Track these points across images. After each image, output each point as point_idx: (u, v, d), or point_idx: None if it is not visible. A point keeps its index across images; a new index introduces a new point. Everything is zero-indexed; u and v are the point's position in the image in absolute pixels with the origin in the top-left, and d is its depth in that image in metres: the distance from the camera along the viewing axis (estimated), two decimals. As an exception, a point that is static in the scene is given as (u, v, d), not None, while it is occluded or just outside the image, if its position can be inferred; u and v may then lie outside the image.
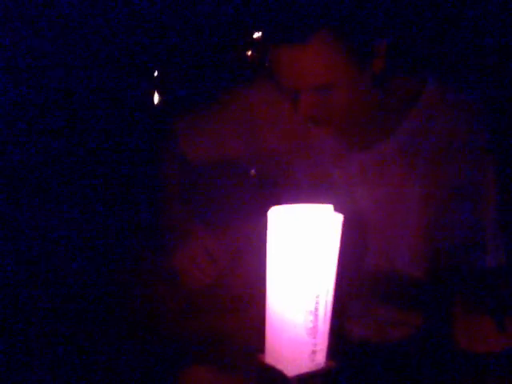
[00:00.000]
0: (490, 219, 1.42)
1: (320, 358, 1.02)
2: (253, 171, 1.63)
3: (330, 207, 1.01)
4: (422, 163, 1.42)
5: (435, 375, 1.36)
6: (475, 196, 1.41)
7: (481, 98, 1.45)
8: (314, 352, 1.01)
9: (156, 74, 2.45)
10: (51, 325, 1.62)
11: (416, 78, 1.45)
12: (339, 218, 0.98)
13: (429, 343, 1.42)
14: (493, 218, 1.42)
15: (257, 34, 2.46)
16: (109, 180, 2.02)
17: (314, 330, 0.99)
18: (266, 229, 0.99)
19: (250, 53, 2.48)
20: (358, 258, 1.44)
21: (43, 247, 1.82)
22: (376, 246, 1.45)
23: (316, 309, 0.98)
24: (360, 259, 1.44)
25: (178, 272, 1.53)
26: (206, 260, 1.51)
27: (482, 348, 1.17)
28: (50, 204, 1.94)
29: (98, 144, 2.09)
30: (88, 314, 1.61)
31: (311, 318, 0.98)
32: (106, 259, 1.77)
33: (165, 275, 1.58)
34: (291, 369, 1.01)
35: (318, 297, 0.98)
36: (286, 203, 1.01)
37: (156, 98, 2.43)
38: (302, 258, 0.96)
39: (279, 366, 1.01)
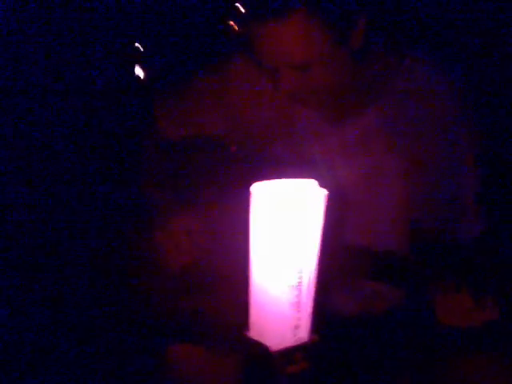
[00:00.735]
0: (469, 192, 1.43)
1: (303, 333, 1.03)
2: (234, 147, 1.63)
3: (313, 182, 1.01)
4: (401, 137, 1.43)
5: (416, 349, 1.38)
6: (454, 169, 1.42)
7: (460, 75, 1.46)
8: (297, 326, 1.02)
9: (134, 46, 2.44)
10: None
11: (394, 53, 1.46)
12: (323, 192, 0.98)
13: (410, 317, 1.44)
14: (472, 191, 1.44)
15: (241, 7, 2.44)
16: (88, 162, 2.00)
17: (297, 305, 1.00)
18: (248, 205, 1.00)
19: (231, 23, 2.47)
20: (339, 233, 1.44)
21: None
22: (357, 220, 1.46)
23: (299, 284, 0.99)
24: (341, 233, 1.45)
25: (159, 251, 1.53)
26: (186, 240, 1.51)
27: (462, 323, 1.19)
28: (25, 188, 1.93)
29: (75, 125, 2.08)
30: (73, 293, 1.61)
31: (295, 292, 0.99)
32: (89, 241, 1.76)
33: (147, 255, 1.57)
34: (275, 343, 1.02)
35: (301, 272, 0.98)
36: (268, 179, 1.01)
37: (135, 73, 2.41)
38: (285, 233, 0.96)
39: (263, 341, 1.02)
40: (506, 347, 1.30)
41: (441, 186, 1.42)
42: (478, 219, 1.42)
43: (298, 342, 1.02)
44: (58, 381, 1.44)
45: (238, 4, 2.41)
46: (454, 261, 1.25)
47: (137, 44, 2.45)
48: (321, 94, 1.36)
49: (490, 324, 1.20)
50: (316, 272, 1.01)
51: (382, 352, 1.37)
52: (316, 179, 1.02)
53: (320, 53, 1.29)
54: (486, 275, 1.19)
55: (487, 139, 1.47)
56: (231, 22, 2.46)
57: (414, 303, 1.43)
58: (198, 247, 1.49)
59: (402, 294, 1.46)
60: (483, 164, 1.44)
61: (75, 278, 1.65)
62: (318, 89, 1.34)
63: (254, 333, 1.04)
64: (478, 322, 1.19)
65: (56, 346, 1.52)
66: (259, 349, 1.01)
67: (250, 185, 1.00)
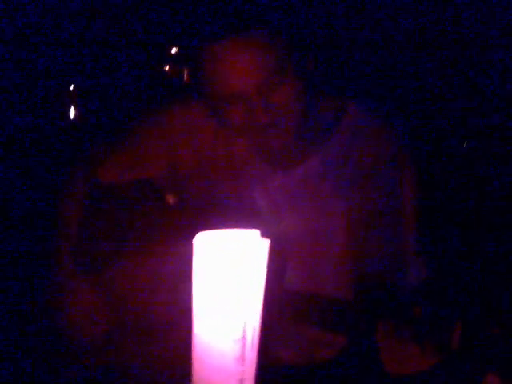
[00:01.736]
0: (411, 239, 1.44)
1: (248, 386, 1.00)
2: (171, 197, 1.60)
3: (256, 232, 1.00)
4: (345, 183, 1.44)
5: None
6: (397, 217, 1.43)
7: (400, 123, 1.48)
8: (241, 380, 0.99)
9: (72, 89, 2.40)
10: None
11: (340, 99, 1.47)
12: (266, 243, 0.97)
13: (356, 364, 1.43)
14: (414, 239, 1.44)
15: (174, 49, 2.44)
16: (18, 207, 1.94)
17: (241, 358, 0.98)
18: (190, 255, 0.97)
19: (167, 68, 2.46)
20: (280, 281, 1.43)
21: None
22: (301, 267, 1.46)
23: (243, 337, 0.97)
24: (282, 282, 1.44)
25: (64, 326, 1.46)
26: (86, 323, 1.45)
27: (408, 370, 1.19)
28: None
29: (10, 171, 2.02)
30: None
31: (239, 345, 0.97)
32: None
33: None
34: (219, 398, 0.99)
35: (245, 324, 0.96)
36: (211, 227, 0.99)
37: (71, 116, 2.37)
38: (228, 285, 0.94)
39: (207, 396, 0.99)
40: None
41: (384, 234, 1.42)
42: (419, 267, 1.43)
43: (243, 397, 0.99)
44: None
45: (172, 47, 2.41)
46: (397, 308, 1.25)
47: (72, 86, 2.41)
48: (285, 118, 1.33)
49: (433, 368, 1.20)
50: (260, 323, 0.99)
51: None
52: (259, 227, 1.00)
53: (280, 74, 1.27)
54: (428, 322, 1.19)
55: (429, 188, 1.49)
56: (167, 67, 2.46)
57: (359, 349, 1.42)
58: (104, 323, 1.44)
59: (348, 341, 1.46)
60: (425, 212, 1.45)
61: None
62: (282, 111, 1.32)
63: (198, 386, 1.01)
64: (424, 367, 1.18)
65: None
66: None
67: (192, 233, 0.98)
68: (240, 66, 1.26)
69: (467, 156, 1.99)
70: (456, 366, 1.20)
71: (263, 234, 0.99)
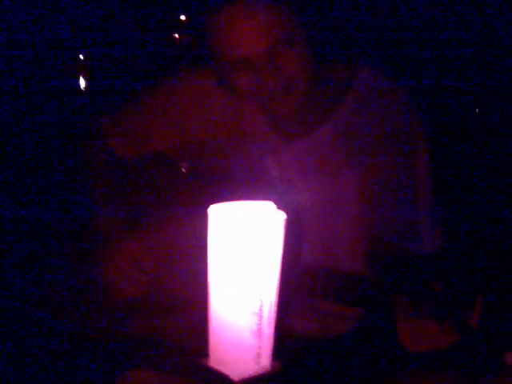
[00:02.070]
0: (425, 208, 1.42)
1: (265, 360, 0.99)
2: (184, 166, 1.58)
3: (271, 205, 0.97)
4: (357, 150, 1.41)
5: (377, 369, 1.35)
6: (409, 184, 1.41)
7: (413, 87, 1.45)
8: (259, 354, 0.98)
9: (80, 59, 2.38)
10: None
11: (350, 65, 1.44)
12: (282, 216, 0.95)
13: (372, 338, 1.42)
14: (428, 207, 1.42)
15: (182, 16, 2.41)
16: (31, 183, 1.93)
17: (258, 332, 0.96)
18: (204, 227, 0.95)
19: (177, 35, 2.43)
20: (296, 253, 1.41)
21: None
22: (316, 240, 1.44)
23: (260, 310, 0.95)
24: (299, 254, 1.42)
25: (106, 284, 1.46)
26: (135, 271, 1.44)
27: (425, 347, 1.17)
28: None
29: (19, 145, 2.01)
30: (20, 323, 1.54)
31: (256, 319, 0.95)
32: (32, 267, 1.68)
33: (93, 285, 1.50)
34: (236, 372, 0.97)
35: (262, 298, 0.94)
36: (223, 199, 0.97)
37: (82, 87, 2.35)
38: (245, 259, 0.92)
39: (223, 370, 0.98)
40: (466, 367, 1.28)
41: (398, 203, 1.40)
42: (434, 237, 1.41)
43: (260, 371, 0.98)
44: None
45: (181, 15, 2.37)
46: (415, 283, 1.23)
47: (81, 55, 2.39)
48: (298, 81, 1.32)
49: (452, 345, 1.18)
50: (277, 297, 0.98)
51: (343, 374, 1.34)
52: (273, 200, 0.98)
53: (291, 34, 1.26)
54: (447, 298, 1.17)
55: (443, 154, 1.46)
56: (176, 35, 2.43)
57: (375, 324, 1.41)
58: (148, 280, 1.43)
59: (363, 313, 1.44)
60: (439, 178, 1.43)
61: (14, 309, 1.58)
62: (295, 74, 1.30)
63: (214, 361, 1.00)
64: (441, 344, 1.17)
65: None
66: (219, 378, 0.97)
67: (205, 205, 0.96)
68: (248, 31, 1.25)
69: (482, 120, 1.95)
70: (475, 344, 1.19)
71: (278, 206, 0.97)
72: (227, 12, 1.26)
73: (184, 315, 1.40)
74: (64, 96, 2.26)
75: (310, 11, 1.33)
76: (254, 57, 1.27)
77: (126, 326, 1.45)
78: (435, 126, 1.50)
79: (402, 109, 1.42)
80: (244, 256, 0.92)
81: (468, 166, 1.84)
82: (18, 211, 1.86)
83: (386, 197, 1.41)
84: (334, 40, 1.49)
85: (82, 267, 1.51)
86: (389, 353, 1.32)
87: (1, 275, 1.69)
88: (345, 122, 1.41)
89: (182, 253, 1.41)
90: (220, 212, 0.94)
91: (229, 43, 1.28)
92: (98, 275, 1.45)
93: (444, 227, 1.43)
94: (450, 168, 1.60)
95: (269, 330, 0.97)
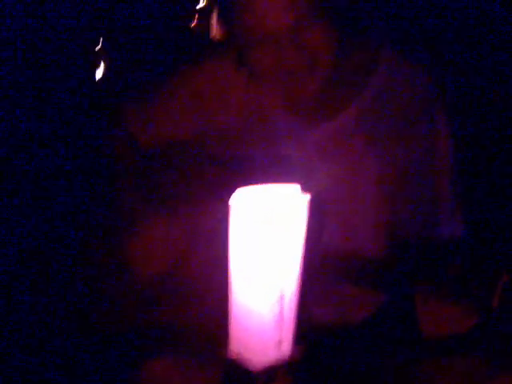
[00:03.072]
0: (447, 193, 1.41)
1: (286, 347, 0.99)
2: (206, 152, 1.58)
3: (296, 187, 0.96)
4: (380, 135, 1.40)
5: (398, 355, 1.35)
6: (432, 170, 1.40)
7: (440, 73, 1.43)
8: (280, 342, 0.97)
9: (99, 47, 2.38)
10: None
11: (372, 45, 1.42)
12: (306, 198, 0.93)
13: (392, 324, 1.41)
14: (450, 192, 1.41)
15: (200, 5, 2.40)
16: (57, 171, 1.93)
17: (279, 320, 0.96)
18: (225, 213, 0.95)
19: (194, 23, 2.43)
20: (318, 238, 1.41)
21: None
22: (337, 223, 1.43)
23: (282, 298, 0.95)
24: (320, 238, 1.41)
25: (132, 260, 1.46)
26: (161, 246, 1.45)
27: (446, 331, 1.16)
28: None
29: (43, 133, 2.01)
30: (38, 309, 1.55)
31: (277, 307, 0.95)
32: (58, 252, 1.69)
33: (116, 266, 1.50)
34: (257, 360, 0.97)
35: (283, 286, 0.94)
36: (247, 183, 0.96)
37: (100, 75, 2.35)
38: (267, 246, 0.92)
39: (245, 357, 0.97)
40: (488, 349, 1.27)
41: (419, 188, 1.39)
42: (455, 222, 1.40)
43: (281, 358, 0.98)
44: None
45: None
46: (436, 267, 1.22)
47: (101, 42, 2.39)
48: (324, 60, 1.30)
49: (473, 328, 1.17)
50: (299, 285, 0.97)
51: (365, 360, 1.33)
52: (297, 183, 0.97)
53: (312, 13, 1.25)
54: (468, 282, 1.16)
55: (466, 139, 1.45)
56: (195, 20, 2.42)
57: (396, 309, 1.40)
58: (173, 256, 1.44)
59: (384, 300, 1.43)
60: (462, 164, 1.42)
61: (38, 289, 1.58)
62: (320, 52, 1.29)
63: (235, 349, 0.99)
64: (462, 329, 1.16)
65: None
66: (239, 368, 0.97)
67: (229, 190, 0.95)
68: (273, 4, 1.24)
69: (507, 105, 1.92)
70: (495, 328, 1.18)
71: (302, 189, 0.96)
72: None
73: (204, 301, 1.40)
74: (84, 85, 2.27)
75: None
76: (279, 31, 1.26)
77: (148, 315, 1.45)
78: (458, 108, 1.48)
79: (425, 94, 1.40)
80: (266, 243, 0.91)
81: (490, 152, 1.82)
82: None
83: (408, 183, 1.40)
84: (359, 20, 1.47)
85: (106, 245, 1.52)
86: (409, 338, 1.31)
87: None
88: (368, 106, 1.40)
89: (203, 239, 1.41)
90: (243, 196, 0.94)
91: (253, 18, 1.27)
92: (121, 253, 1.46)
93: (465, 212, 1.42)
94: (472, 154, 1.58)
95: (290, 317, 0.97)
